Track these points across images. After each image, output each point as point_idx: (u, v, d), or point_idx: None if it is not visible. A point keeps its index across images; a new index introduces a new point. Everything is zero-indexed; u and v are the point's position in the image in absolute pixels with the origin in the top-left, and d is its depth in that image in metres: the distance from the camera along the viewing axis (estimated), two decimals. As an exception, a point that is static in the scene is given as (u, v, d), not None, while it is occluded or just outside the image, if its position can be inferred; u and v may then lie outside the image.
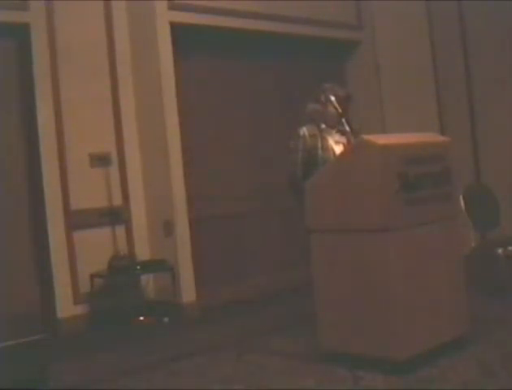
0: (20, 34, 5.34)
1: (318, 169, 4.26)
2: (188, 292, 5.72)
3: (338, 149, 4.43)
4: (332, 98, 4.49)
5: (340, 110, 4.46)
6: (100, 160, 5.65)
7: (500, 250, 5.12)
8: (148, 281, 5.78)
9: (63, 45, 5.51)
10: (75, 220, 5.49)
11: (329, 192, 3.85)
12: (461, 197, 5.23)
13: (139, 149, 5.94)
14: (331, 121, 4.51)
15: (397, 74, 7.08)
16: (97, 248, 5.53)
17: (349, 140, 4.46)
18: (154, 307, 5.62)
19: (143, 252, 5.85)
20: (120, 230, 5.76)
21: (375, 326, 3.67)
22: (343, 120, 4.45)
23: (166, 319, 5.48)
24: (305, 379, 3.71)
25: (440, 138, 4.32)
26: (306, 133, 4.46)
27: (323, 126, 4.52)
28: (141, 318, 5.42)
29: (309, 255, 3.99)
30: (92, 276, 5.44)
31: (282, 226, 6.63)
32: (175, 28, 5.78)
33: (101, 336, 5.17)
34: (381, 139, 3.77)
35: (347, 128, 4.43)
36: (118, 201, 5.77)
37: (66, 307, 5.38)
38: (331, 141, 4.49)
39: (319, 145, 4.44)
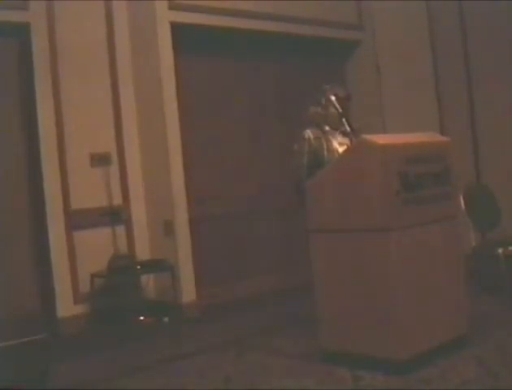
0: (21, 34, 5.35)
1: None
2: (188, 292, 5.72)
3: (342, 150, 4.43)
4: (333, 98, 4.51)
5: (340, 110, 4.49)
6: (100, 160, 5.65)
7: (500, 250, 5.12)
8: (148, 281, 5.78)
9: (64, 45, 5.51)
10: (76, 220, 5.49)
11: (329, 192, 3.85)
12: (461, 197, 5.22)
13: (139, 148, 5.94)
14: (334, 122, 4.53)
15: (397, 74, 7.08)
16: (97, 247, 5.53)
17: (351, 141, 4.47)
18: (154, 307, 5.62)
19: (143, 251, 5.86)
20: (120, 230, 5.76)
21: (375, 326, 3.67)
22: (343, 120, 4.47)
23: (166, 319, 5.48)
24: (305, 379, 3.71)
25: (440, 138, 4.31)
26: (311, 136, 4.48)
27: (327, 128, 4.54)
28: (141, 317, 5.43)
29: (309, 255, 4.00)
30: (92, 276, 5.44)
31: (282, 226, 6.63)
32: (175, 27, 5.78)
33: (101, 336, 5.17)
34: (381, 139, 3.77)
35: (347, 128, 4.44)
36: (118, 200, 5.77)
37: (66, 307, 5.38)
38: (335, 143, 4.51)
39: (324, 146, 4.46)
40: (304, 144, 4.47)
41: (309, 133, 4.48)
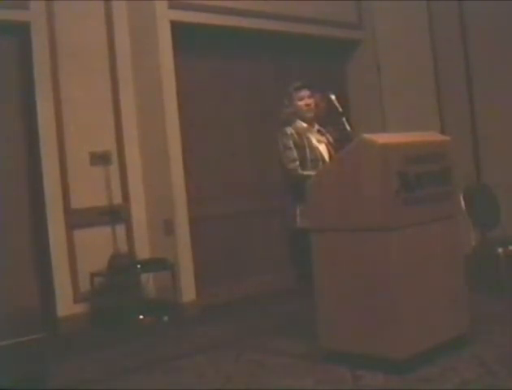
0: (21, 33, 5.35)
1: (307, 167, 4.34)
2: (188, 291, 5.72)
3: (321, 148, 4.52)
4: (333, 97, 4.56)
5: (340, 109, 4.53)
6: (100, 159, 5.65)
7: (500, 249, 5.12)
8: (148, 280, 5.78)
9: (64, 45, 5.51)
10: (76, 219, 5.49)
11: (330, 191, 3.85)
12: (461, 197, 5.22)
13: (139, 147, 5.94)
14: (307, 117, 4.56)
15: (398, 73, 7.08)
16: (97, 246, 5.53)
17: (328, 140, 4.58)
18: (154, 306, 5.62)
19: (143, 251, 5.86)
20: (120, 229, 5.76)
21: (375, 325, 3.67)
22: (343, 119, 4.50)
23: (166, 318, 5.48)
24: (305, 379, 3.71)
25: (440, 137, 4.31)
26: (293, 131, 4.52)
27: (305, 125, 4.57)
28: (141, 316, 5.42)
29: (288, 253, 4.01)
30: (92, 275, 5.44)
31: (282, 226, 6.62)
32: (175, 26, 5.78)
33: (101, 335, 5.17)
34: (381, 138, 3.76)
35: (347, 127, 4.47)
36: (118, 199, 5.77)
37: (66, 306, 5.38)
38: (314, 141, 4.55)
39: (305, 143, 4.49)
40: (289, 139, 4.50)
41: (290, 129, 4.53)
